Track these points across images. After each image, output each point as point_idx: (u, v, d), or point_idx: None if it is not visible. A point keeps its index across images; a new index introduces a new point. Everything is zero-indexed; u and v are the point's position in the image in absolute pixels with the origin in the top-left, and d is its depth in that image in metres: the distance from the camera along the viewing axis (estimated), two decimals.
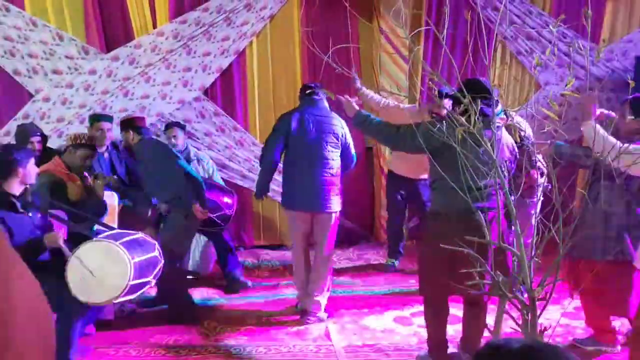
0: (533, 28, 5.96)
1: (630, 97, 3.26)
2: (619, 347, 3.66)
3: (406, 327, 4.19)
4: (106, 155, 4.80)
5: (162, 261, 3.46)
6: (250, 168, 6.12)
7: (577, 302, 3.84)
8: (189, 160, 5.11)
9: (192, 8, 5.78)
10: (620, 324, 3.80)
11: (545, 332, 1.98)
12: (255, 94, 6.11)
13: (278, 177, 6.09)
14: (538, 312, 1.97)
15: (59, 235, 3.24)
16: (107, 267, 3.13)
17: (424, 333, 3.84)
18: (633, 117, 3.35)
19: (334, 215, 4.28)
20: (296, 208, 4.25)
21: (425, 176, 5.07)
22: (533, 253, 1.98)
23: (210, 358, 3.72)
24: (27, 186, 3.36)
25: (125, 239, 3.22)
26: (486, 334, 3.15)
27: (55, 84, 5.68)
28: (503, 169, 2.38)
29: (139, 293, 3.40)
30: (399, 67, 6.12)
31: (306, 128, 4.19)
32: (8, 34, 5.53)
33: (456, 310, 3.63)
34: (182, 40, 5.77)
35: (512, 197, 2.29)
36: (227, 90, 6.05)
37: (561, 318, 2.72)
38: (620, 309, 3.48)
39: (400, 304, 4.62)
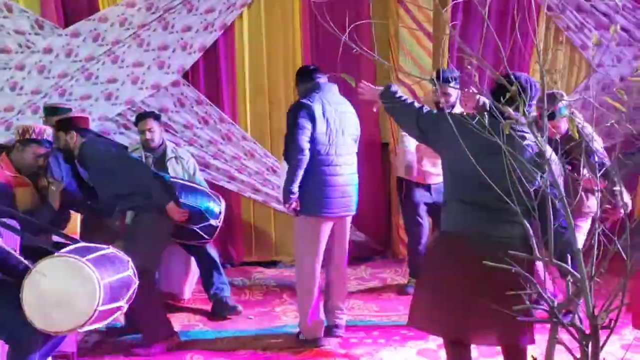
0: None
1: None
2: None
3: None
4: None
5: (137, 282, 3.48)
6: (239, 167, 6.15)
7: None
8: (165, 159, 5.15)
9: None
10: None
11: None
12: (246, 77, 6.15)
13: (271, 177, 6.19)
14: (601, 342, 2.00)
15: None
16: (71, 288, 3.13)
17: None
18: None
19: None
20: (325, 213, 4.31)
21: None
22: (593, 272, 2.00)
23: None
24: None
25: (92, 255, 3.23)
26: None
27: (3, 65, 5.70)
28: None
29: (108, 320, 3.42)
30: (422, 45, 6.15)
31: (329, 119, 4.25)
32: None
33: None
34: (157, 13, 5.81)
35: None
36: (211, 74, 6.08)
37: (623, 351, 2.72)
38: None
39: (423, 334, 4.64)
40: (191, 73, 6.05)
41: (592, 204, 3.63)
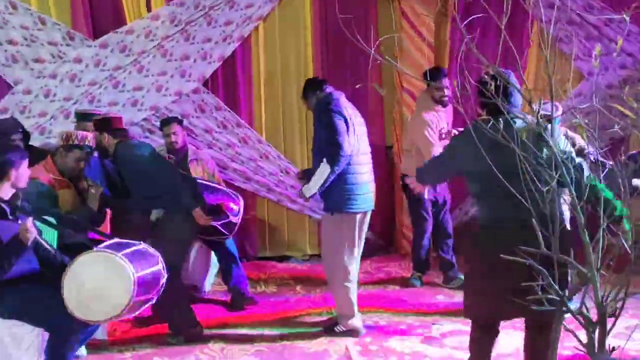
0: (574, 11, 6.01)
1: None
2: None
3: (437, 349, 4.22)
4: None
5: (165, 275, 3.50)
6: (254, 169, 6.17)
7: (629, 322, 3.84)
8: (186, 161, 5.17)
9: None
10: None
11: (614, 353, 2.02)
12: (262, 85, 6.17)
13: (284, 178, 6.21)
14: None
15: (30, 225, 3.20)
16: (107, 281, 3.17)
17: (459, 355, 3.89)
18: None
19: None
20: (360, 208, 4.33)
21: None
22: (599, 265, 2.02)
23: None
24: (17, 190, 3.40)
25: (127, 250, 3.27)
26: None
27: (37, 74, 5.72)
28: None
29: (139, 310, 3.45)
30: (422, 53, 6.18)
31: (353, 121, 4.29)
32: None
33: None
34: (180, 25, 5.82)
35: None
36: (229, 82, 6.11)
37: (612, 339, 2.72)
38: None
39: (427, 323, 4.66)
40: (211, 81, 6.07)
41: None
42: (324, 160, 4.17)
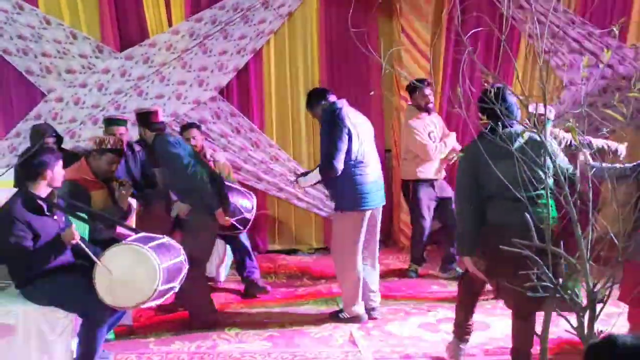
0: (558, 26, 6.00)
1: None
2: None
3: (433, 333, 4.22)
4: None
5: (187, 266, 3.51)
6: (265, 170, 6.17)
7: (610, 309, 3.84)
8: (204, 161, 5.16)
9: (208, 6, 5.85)
10: None
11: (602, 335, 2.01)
12: (272, 94, 6.17)
13: (292, 179, 6.19)
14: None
15: (75, 231, 3.25)
16: (135, 271, 3.18)
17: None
18: None
19: None
20: (368, 206, 4.27)
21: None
22: (589, 255, 2.02)
23: None
24: (53, 189, 3.41)
25: (153, 243, 3.28)
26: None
27: (69, 84, 5.75)
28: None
29: (164, 298, 3.46)
30: (420, 66, 6.18)
31: (353, 132, 4.20)
32: (21, 32, 5.62)
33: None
34: (198, 39, 5.83)
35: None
36: (243, 90, 6.11)
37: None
38: None
39: (424, 310, 4.66)
40: (226, 90, 6.07)
41: None
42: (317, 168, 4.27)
